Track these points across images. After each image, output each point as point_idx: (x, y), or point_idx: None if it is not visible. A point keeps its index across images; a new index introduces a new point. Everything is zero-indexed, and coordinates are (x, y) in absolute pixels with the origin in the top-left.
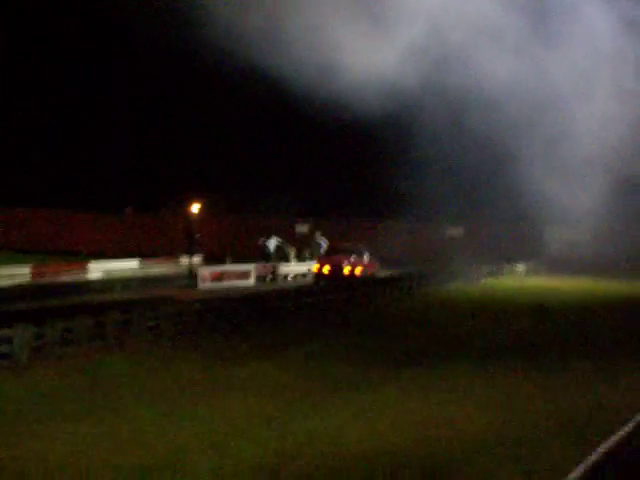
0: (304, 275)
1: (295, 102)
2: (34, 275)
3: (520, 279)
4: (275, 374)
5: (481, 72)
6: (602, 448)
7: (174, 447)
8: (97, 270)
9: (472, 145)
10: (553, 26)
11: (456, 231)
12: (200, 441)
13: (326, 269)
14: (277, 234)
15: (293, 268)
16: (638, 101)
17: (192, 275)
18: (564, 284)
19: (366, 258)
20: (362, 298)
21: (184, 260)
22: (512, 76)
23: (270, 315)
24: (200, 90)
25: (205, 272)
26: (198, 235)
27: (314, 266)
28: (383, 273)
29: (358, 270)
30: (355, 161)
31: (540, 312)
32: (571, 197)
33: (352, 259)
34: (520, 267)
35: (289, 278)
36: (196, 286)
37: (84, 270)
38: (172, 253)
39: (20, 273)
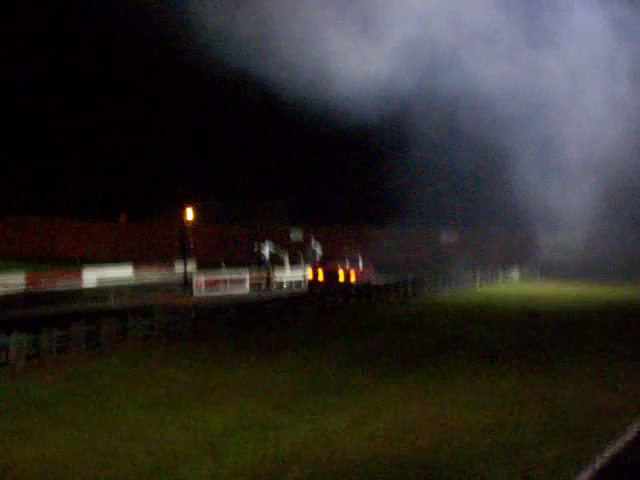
0: (299, 282)
1: (289, 108)
2: (29, 283)
3: (514, 284)
4: (271, 379)
5: (475, 74)
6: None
7: (171, 452)
8: (91, 277)
9: (466, 148)
10: (546, 27)
11: (450, 237)
12: (197, 446)
13: (321, 276)
14: (271, 240)
15: (288, 275)
16: (631, 104)
17: (187, 282)
18: (558, 290)
19: (361, 264)
20: (357, 304)
21: (178, 267)
22: (506, 78)
23: (265, 321)
24: (195, 97)
25: (200, 279)
26: (192, 246)
27: (309, 273)
28: (378, 279)
29: (353, 276)
30: (349, 167)
31: (533, 317)
32: (565, 202)
33: (347, 265)
34: (514, 273)
35: (284, 285)
36: (191, 294)
37: (79, 278)
38: (166, 260)
39: (15, 282)
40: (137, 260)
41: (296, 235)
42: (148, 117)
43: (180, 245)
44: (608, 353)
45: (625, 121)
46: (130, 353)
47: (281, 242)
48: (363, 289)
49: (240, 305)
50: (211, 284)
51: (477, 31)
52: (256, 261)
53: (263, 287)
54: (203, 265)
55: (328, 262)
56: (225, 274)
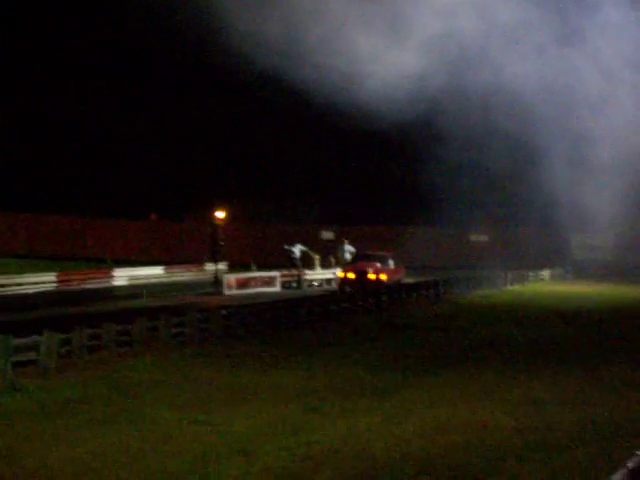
0: (329, 281)
1: (320, 109)
2: (60, 282)
3: (546, 284)
4: (301, 381)
5: (506, 71)
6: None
7: (201, 453)
8: (122, 277)
9: (498, 147)
10: (577, 23)
11: (481, 237)
12: (227, 447)
13: (351, 275)
14: (302, 241)
15: (318, 274)
16: None
17: (217, 282)
18: (591, 290)
19: (392, 264)
20: (388, 304)
21: (209, 267)
22: (538, 75)
23: (295, 322)
24: (225, 98)
25: (230, 279)
26: (222, 244)
27: (339, 272)
28: (409, 279)
29: (384, 276)
30: (380, 167)
31: (566, 318)
32: (598, 202)
33: (378, 265)
34: (545, 273)
35: (314, 284)
36: (221, 293)
37: (109, 277)
38: (197, 260)
39: (46, 280)
40: (168, 259)
41: (327, 235)
42: (180, 117)
43: (211, 244)
44: None
45: None
46: (161, 353)
47: (312, 242)
48: (394, 289)
49: (270, 304)
50: (242, 283)
51: (507, 27)
52: (288, 261)
53: (294, 285)
54: (234, 265)
55: (359, 261)
56: (255, 273)
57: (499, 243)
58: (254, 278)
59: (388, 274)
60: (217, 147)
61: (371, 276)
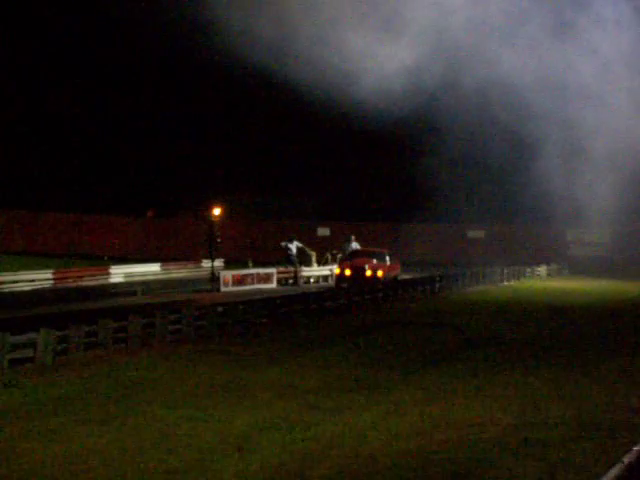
0: (326, 278)
1: (316, 104)
2: (56, 279)
3: (542, 281)
4: (298, 377)
5: (501, 65)
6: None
7: (199, 450)
8: (119, 274)
9: (495, 142)
10: (572, 16)
11: (477, 233)
12: (225, 444)
13: (348, 272)
14: (299, 237)
15: (315, 271)
16: None
17: (214, 279)
18: (586, 286)
19: (388, 260)
20: (384, 300)
21: (205, 264)
22: (534, 68)
23: (292, 318)
24: (221, 94)
25: (227, 275)
26: (220, 240)
27: (336, 269)
28: (405, 275)
29: (380, 272)
30: (377, 163)
31: (562, 314)
32: (594, 198)
33: (374, 261)
34: (542, 269)
35: (311, 281)
36: (218, 290)
37: (106, 274)
38: (193, 257)
39: (43, 278)
40: (164, 256)
41: (324, 232)
42: (176, 113)
43: (207, 241)
44: None
45: None
46: (158, 350)
47: (308, 239)
48: (390, 285)
49: (267, 301)
50: (238, 279)
51: (502, 20)
52: (285, 257)
53: (291, 282)
54: (230, 261)
55: (355, 258)
56: (252, 270)
57: (496, 239)
58: (251, 275)
59: (384, 270)
60: (213, 144)
61: (368, 272)
